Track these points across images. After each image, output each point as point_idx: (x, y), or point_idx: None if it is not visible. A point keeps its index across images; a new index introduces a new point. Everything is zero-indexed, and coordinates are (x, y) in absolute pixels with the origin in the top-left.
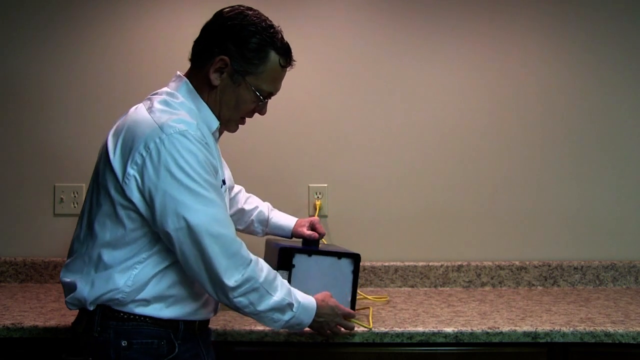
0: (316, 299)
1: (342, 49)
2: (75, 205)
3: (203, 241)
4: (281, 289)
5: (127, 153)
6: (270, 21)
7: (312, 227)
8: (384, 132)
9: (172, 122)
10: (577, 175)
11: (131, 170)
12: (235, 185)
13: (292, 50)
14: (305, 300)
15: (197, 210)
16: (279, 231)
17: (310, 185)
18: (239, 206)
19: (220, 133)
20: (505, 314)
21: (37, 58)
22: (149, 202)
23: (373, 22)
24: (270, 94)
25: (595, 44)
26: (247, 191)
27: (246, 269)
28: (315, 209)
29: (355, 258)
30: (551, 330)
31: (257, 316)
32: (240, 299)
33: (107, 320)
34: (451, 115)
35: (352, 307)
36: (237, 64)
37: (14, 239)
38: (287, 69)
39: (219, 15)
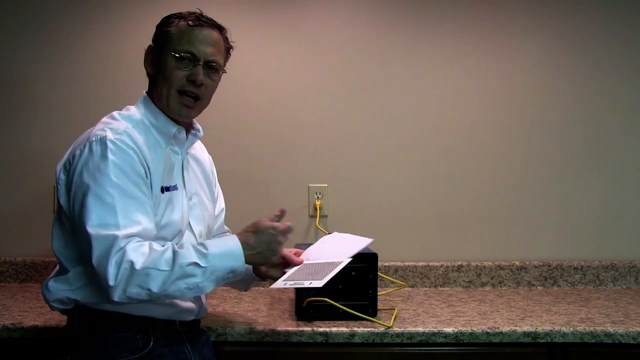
0: (237, 234)
1: (341, 48)
2: None
3: (90, 242)
4: (176, 258)
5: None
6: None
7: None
8: (384, 132)
9: (99, 131)
10: (577, 176)
11: (62, 175)
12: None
13: (293, 51)
14: (220, 246)
15: (91, 211)
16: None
17: (310, 185)
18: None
19: (188, 134)
20: (505, 314)
21: (37, 58)
22: (72, 203)
23: (374, 21)
24: (190, 53)
25: (591, 45)
26: (248, 191)
27: (120, 263)
28: (316, 209)
29: (372, 258)
30: (551, 330)
31: (166, 297)
32: (131, 291)
33: (83, 319)
34: (451, 115)
35: (374, 304)
36: (156, 44)
37: (14, 239)
38: (199, 29)
39: None
